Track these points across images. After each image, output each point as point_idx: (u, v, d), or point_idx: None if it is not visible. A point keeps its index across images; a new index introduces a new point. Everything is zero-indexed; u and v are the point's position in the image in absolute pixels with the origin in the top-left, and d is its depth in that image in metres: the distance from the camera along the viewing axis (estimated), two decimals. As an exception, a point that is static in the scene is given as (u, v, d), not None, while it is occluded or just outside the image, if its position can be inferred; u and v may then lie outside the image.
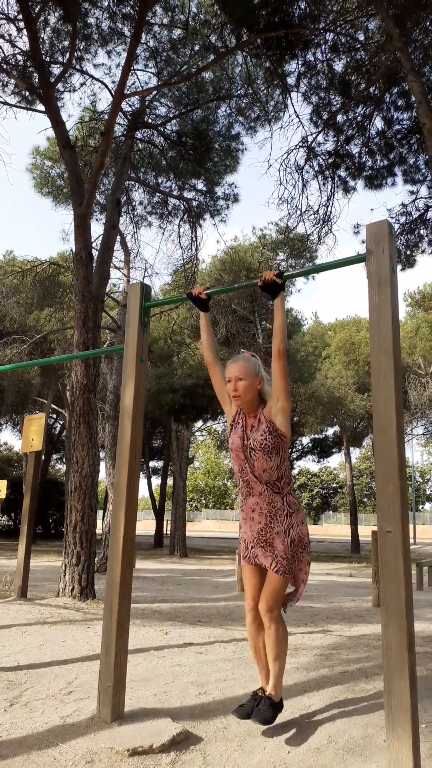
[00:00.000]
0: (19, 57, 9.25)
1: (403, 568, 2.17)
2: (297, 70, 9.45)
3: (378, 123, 10.12)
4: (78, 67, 9.91)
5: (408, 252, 10.50)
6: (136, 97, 10.80)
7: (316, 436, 34.90)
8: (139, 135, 11.46)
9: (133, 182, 12.67)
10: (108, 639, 2.86)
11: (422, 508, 61.91)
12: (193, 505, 68.16)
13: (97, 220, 13.91)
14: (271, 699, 2.77)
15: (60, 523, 28.01)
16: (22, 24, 8.34)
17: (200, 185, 13.02)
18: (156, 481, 31.89)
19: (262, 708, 2.70)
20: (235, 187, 12.90)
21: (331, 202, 10.36)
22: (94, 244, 9.32)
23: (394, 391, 2.30)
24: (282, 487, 2.86)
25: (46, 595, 7.42)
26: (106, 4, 8.94)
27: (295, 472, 54.90)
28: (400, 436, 2.29)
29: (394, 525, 2.21)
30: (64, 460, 32.45)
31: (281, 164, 10.16)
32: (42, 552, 18.43)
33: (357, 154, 10.29)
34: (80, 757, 2.38)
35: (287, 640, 2.88)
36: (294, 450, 35.54)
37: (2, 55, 9.03)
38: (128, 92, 9.30)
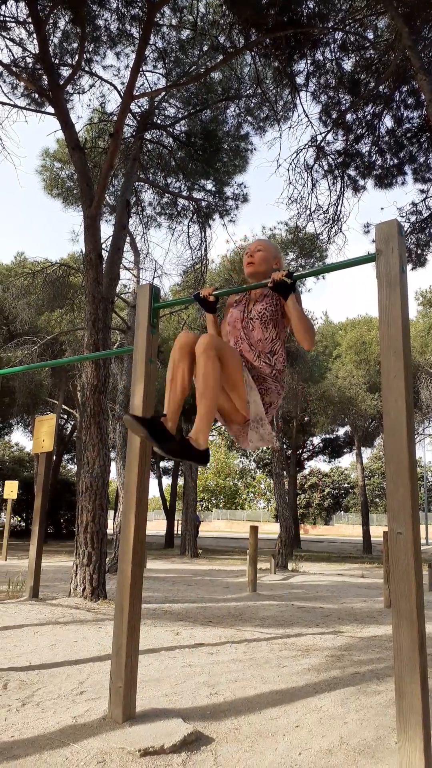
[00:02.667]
0: (29, 59, 9.31)
1: (415, 569, 2.16)
2: (306, 69, 9.43)
3: (388, 122, 10.08)
4: (87, 68, 9.96)
5: (419, 251, 10.45)
6: (145, 98, 10.83)
7: (327, 436, 34.77)
8: (148, 136, 11.49)
9: (142, 183, 12.70)
10: (119, 639, 2.87)
11: (434, 508, 61.47)
12: (204, 506, 68.19)
13: (106, 221, 13.98)
14: (193, 444, 2.61)
15: (71, 524, 28.14)
16: (31, 27, 8.39)
17: (209, 185, 13.04)
18: (167, 481, 31.94)
19: (175, 443, 2.58)
20: (245, 187, 12.90)
21: (340, 202, 10.33)
22: (104, 245, 9.36)
23: (404, 392, 2.28)
24: (274, 363, 2.90)
25: (57, 596, 7.46)
26: (115, 6, 8.98)
27: (306, 472, 54.74)
28: (411, 438, 2.27)
29: (405, 526, 2.20)
30: (75, 460, 32.61)
31: (290, 164, 10.15)
32: (53, 552, 18.52)
33: (367, 153, 10.26)
34: (92, 757, 2.39)
35: (218, 384, 2.65)
36: (305, 450, 35.42)
37: (12, 57, 9.09)
38: (137, 93, 9.32)
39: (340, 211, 10.37)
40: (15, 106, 9.44)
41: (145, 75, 10.61)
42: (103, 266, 8.31)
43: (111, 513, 31.42)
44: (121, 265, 10.50)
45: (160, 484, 29.68)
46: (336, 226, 10.49)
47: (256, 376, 2.85)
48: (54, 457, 27.48)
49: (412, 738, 2.05)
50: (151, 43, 9.57)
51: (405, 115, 9.86)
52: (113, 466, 16.49)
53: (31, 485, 24.88)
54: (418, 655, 2.08)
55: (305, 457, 36.40)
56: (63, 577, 10.03)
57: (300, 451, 33.40)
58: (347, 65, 9.59)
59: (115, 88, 10.45)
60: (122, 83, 10.43)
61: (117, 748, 2.48)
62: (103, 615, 6.13)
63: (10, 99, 9.57)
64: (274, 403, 2.87)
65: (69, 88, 9.81)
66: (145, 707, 3.01)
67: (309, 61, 9.30)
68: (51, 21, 8.79)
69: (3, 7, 8.57)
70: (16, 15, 8.75)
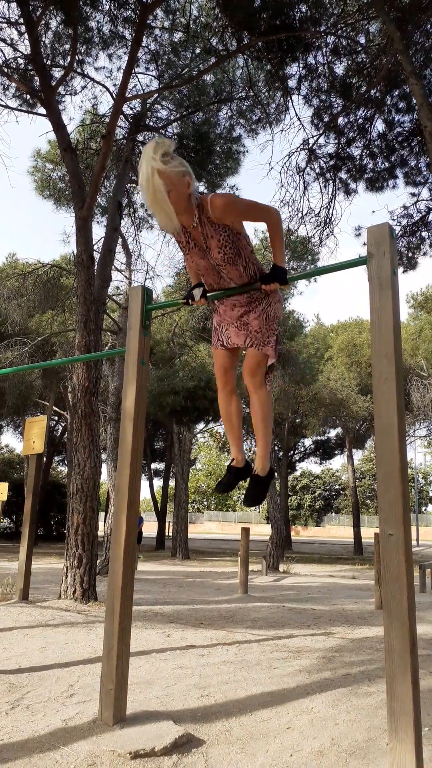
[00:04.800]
0: (21, 60, 9.29)
1: (405, 570, 2.17)
2: (298, 72, 9.47)
3: (379, 125, 10.14)
4: (79, 70, 9.94)
5: (410, 254, 10.50)
6: (138, 100, 10.82)
7: (319, 437, 34.87)
8: (140, 138, 11.47)
9: (134, 185, 12.69)
10: (110, 641, 2.86)
11: (425, 510, 61.79)
12: (195, 507, 68.11)
13: (98, 222, 13.95)
14: (258, 476, 3.09)
15: (62, 525, 28.03)
16: (23, 28, 8.37)
17: (202, 188, 13.04)
18: (158, 482, 31.88)
19: (251, 491, 3.07)
20: (237, 189, 12.93)
21: (332, 205, 10.37)
22: (95, 247, 9.34)
23: (395, 395, 2.29)
24: (254, 275, 2.89)
25: (47, 598, 7.42)
26: (107, 7, 8.97)
27: (297, 473, 54.81)
28: (402, 440, 2.28)
29: (396, 528, 2.21)
30: (66, 462, 32.49)
31: (282, 167, 10.18)
32: (44, 554, 18.44)
33: (358, 157, 10.30)
34: (82, 760, 2.38)
35: (272, 407, 3.08)
36: (296, 452, 35.48)
37: (4, 58, 9.06)
38: (129, 95, 9.32)
39: (332, 214, 10.41)
40: (6, 107, 9.42)
41: (137, 77, 10.61)
42: (95, 268, 8.29)
43: (102, 515, 31.28)
44: (113, 267, 10.49)
45: (151, 486, 29.64)
46: (328, 229, 10.53)
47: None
48: (44, 459, 27.36)
49: (404, 739, 2.05)
50: (143, 45, 9.58)
51: (396, 119, 9.92)
52: (104, 467, 16.45)
53: (22, 487, 24.76)
54: (409, 657, 2.09)
55: (297, 458, 36.46)
56: (53, 580, 9.99)
57: (291, 452, 33.45)
58: (339, 69, 9.64)
59: (108, 89, 10.44)
60: (114, 85, 10.43)
61: (107, 750, 2.47)
62: (94, 617, 6.11)
63: (1, 100, 9.55)
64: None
65: (61, 89, 9.79)
66: (136, 709, 3.00)
67: (301, 65, 9.34)
68: (43, 22, 8.77)
69: (-5, 7, 8.54)
70: (7, 16, 8.73)
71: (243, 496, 3.20)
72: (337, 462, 71.53)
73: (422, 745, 2.14)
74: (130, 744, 2.51)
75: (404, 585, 2.15)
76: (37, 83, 8.68)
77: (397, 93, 9.65)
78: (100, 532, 19.54)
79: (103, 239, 9.24)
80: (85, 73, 10.16)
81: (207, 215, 2.66)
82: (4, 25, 8.81)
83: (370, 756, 2.51)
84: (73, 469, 7.65)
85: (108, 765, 2.35)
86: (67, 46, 9.45)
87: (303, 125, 10.01)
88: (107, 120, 9.91)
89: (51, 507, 28.16)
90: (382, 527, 2.26)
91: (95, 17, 9.15)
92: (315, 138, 10.09)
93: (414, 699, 2.08)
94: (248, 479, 3.19)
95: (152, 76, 10.78)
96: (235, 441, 3.20)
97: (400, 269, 10.70)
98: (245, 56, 9.59)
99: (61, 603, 6.94)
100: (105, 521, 13.92)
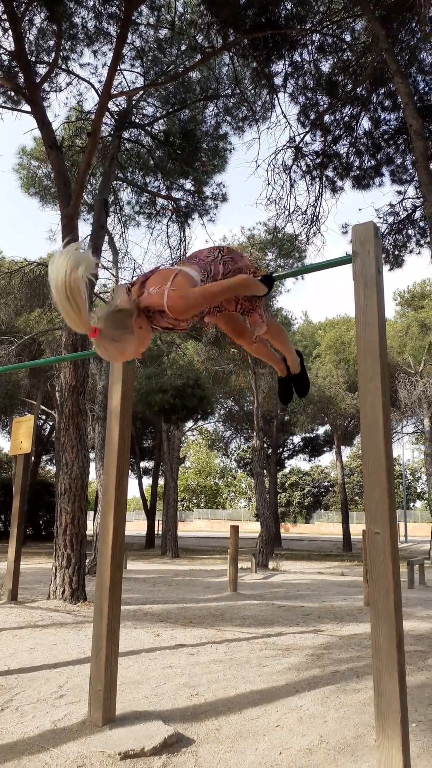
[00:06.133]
0: (5, 57, 9.21)
1: (392, 569, 2.18)
2: (284, 70, 9.48)
3: (365, 123, 10.19)
4: (64, 66, 9.88)
5: (396, 252, 10.55)
6: (123, 97, 10.77)
7: (307, 435, 34.95)
8: (126, 135, 11.43)
9: (120, 182, 12.64)
10: (98, 642, 2.85)
11: (413, 506, 62.19)
12: (185, 505, 68.12)
13: (84, 220, 13.90)
14: (296, 374, 3.24)
15: (50, 525, 27.90)
16: (7, 24, 8.29)
17: (188, 185, 13.02)
18: (147, 481, 31.80)
19: (298, 386, 3.24)
20: (224, 186, 12.90)
21: (319, 203, 10.39)
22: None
23: (381, 393, 2.30)
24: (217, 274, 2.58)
25: (36, 598, 7.39)
26: (92, 3, 8.93)
27: (286, 470, 54.98)
28: (387, 438, 2.29)
29: (383, 527, 2.22)
30: (54, 461, 32.34)
31: (269, 164, 10.19)
32: (32, 554, 18.34)
33: (344, 154, 10.34)
34: (71, 762, 2.38)
35: (284, 330, 3.10)
36: (285, 449, 35.56)
37: (-12, 55, 8.98)
38: (115, 92, 9.27)
39: (319, 212, 10.43)
40: (-9, 103, 9.34)
41: (122, 74, 10.56)
42: (82, 266, 8.24)
43: (91, 514, 31.07)
44: (100, 265, 10.44)
45: (140, 484, 29.55)
46: (314, 227, 10.55)
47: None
48: (32, 459, 27.21)
49: (391, 736, 2.07)
50: (128, 41, 9.54)
51: (382, 117, 9.96)
52: (93, 466, 16.38)
53: (9, 486, 24.63)
54: (396, 655, 2.10)
55: (285, 455, 36.54)
56: (42, 580, 9.94)
57: (280, 449, 33.53)
58: (325, 67, 9.66)
59: (93, 86, 10.39)
60: (100, 81, 10.38)
61: (97, 751, 2.46)
62: (83, 617, 6.09)
63: (-15, 96, 9.47)
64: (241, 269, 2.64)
65: (46, 86, 9.72)
66: (126, 710, 2.99)
67: (287, 63, 9.35)
68: (27, 18, 8.70)
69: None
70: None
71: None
72: (326, 459, 71.90)
73: (409, 741, 2.15)
74: (119, 744, 2.51)
75: (390, 583, 2.16)
76: (22, 80, 8.61)
77: (383, 91, 9.70)
78: (89, 532, 19.48)
79: (89, 237, 9.19)
80: (70, 69, 10.11)
81: (159, 310, 2.31)
82: (-12, 21, 8.73)
83: (358, 753, 2.52)
84: (61, 468, 7.62)
85: (97, 766, 2.34)
86: (51, 43, 9.38)
87: (289, 123, 10.03)
88: (93, 117, 9.85)
89: (39, 506, 28.01)
90: (368, 526, 2.27)
91: (80, 13, 9.10)
92: (301, 135, 10.11)
93: (401, 696, 2.09)
94: (289, 381, 3.35)
95: (138, 72, 10.74)
96: (274, 364, 3.27)
97: (387, 267, 10.75)
98: (231, 53, 9.57)
99: (50, 603, 6.91)
100: (94, 520, 13.88)
